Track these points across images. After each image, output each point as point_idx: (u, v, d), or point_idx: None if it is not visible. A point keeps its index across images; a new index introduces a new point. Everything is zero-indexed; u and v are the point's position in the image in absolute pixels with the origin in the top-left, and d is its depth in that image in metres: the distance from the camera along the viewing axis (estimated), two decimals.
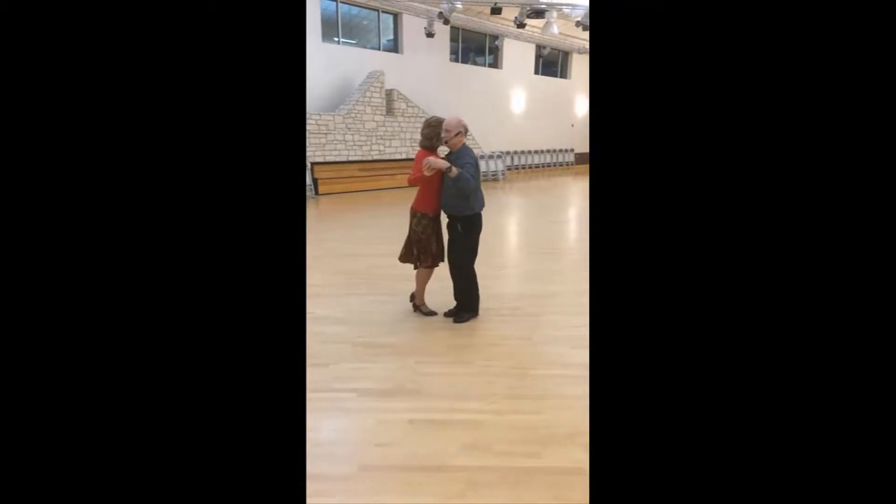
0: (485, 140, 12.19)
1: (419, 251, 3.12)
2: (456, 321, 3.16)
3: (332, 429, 2.04)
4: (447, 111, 12.23)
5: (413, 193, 3.23)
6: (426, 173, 2.87)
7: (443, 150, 3.08)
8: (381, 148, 10.58)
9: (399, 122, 10.70)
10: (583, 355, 2.76)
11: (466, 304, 3.20)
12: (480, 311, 3.29)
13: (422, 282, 3.26)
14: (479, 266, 3.24)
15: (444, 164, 2.88)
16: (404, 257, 3.23)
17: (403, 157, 10.71)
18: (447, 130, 2.97)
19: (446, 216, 3.10)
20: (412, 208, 3.14)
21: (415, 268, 3.24)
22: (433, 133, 3.04)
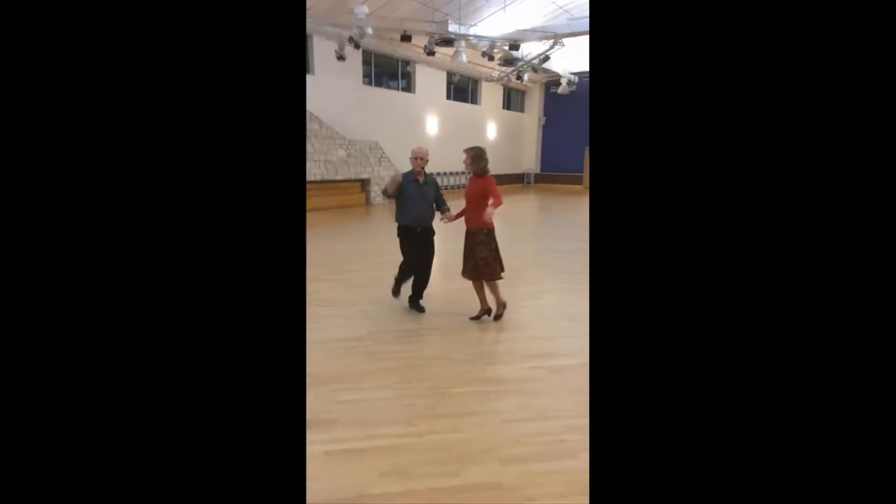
0: (401, 162, 12.31)
1: (484, 264, 3.45)
2: (420, 309, 3.79)
3: None
4: (363, 134, 12.18)
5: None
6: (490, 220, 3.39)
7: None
8: None
9: (313, 144, 10.46)
10: (500, 371, 2.85)
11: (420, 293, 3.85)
12: (399, 333, 3.36)
13: (497, 291, 3.59)
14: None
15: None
16: (463, 270, 3.57)
17: (318, 178, 10.47)
18: (423, 157, 3.58)
19: (417, 227, 3.62)
20: (472, 227, 3.49)
21: (469, 279, 3.58)
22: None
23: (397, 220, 3.68)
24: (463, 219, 3.59)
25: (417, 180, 3.62)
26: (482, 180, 3.47)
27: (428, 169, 3.72)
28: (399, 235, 3.72)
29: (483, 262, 3.45)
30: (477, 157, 3.45)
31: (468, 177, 3.64)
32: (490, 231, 3.48)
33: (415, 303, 3.86)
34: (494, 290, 3.57)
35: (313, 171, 10.49)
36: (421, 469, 1.89)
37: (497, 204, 3.37)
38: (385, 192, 3.64)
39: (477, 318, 3.62)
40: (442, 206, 3.74)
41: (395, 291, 3.95)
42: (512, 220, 9.43)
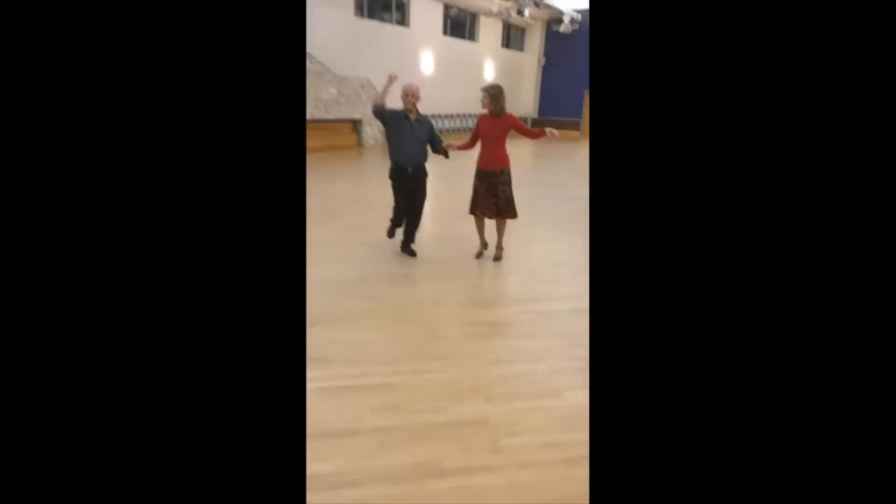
0: (395, 102, 11.89)
1: (507, 204, 3.56)
2: (411, 254, 3.79)
3: None
4: (355, 70, 11.61)
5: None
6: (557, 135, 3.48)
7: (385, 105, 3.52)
8: None
9: None
10: (490, 314, 2.91)
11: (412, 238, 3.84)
12: (391, 276, 3.41)
13: (503, 230, 3.73)
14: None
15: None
16: (483, 209, 3.61)
17: (308, 118, 10.10)
18: (415, 94, 3.45)
19: (409, 167, 3.55)
20: (493, 168, 3.51)
21: (492, 217, 3.64)
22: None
23: (391, 158, 3.60)
24: (453, 154, 3.62)
25: (408, 118, 3.50)
26: (502, 119, 3.45)
27: (422, 111, 3.61)
28: (390, 176, 3.65)
29: (505, 202, 3.56)
30: (496, 94, 3.42)
31: (478, 117, 3.60)
32: (509, 171, 3.56)
33: (406, 247, 3.83)
34: (502, 230, 3.72)
35: None
36: (411, 406, 1.97)
37: (541, 133, 3.48)
38: (375, 111, 3.50)
39: (479, 255, 3.82)
40: (438, 146, 3.65)
41: (390, 233, 3.93)
42: None
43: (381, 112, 3.46)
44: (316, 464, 1.63)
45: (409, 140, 3.51)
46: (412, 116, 3.51)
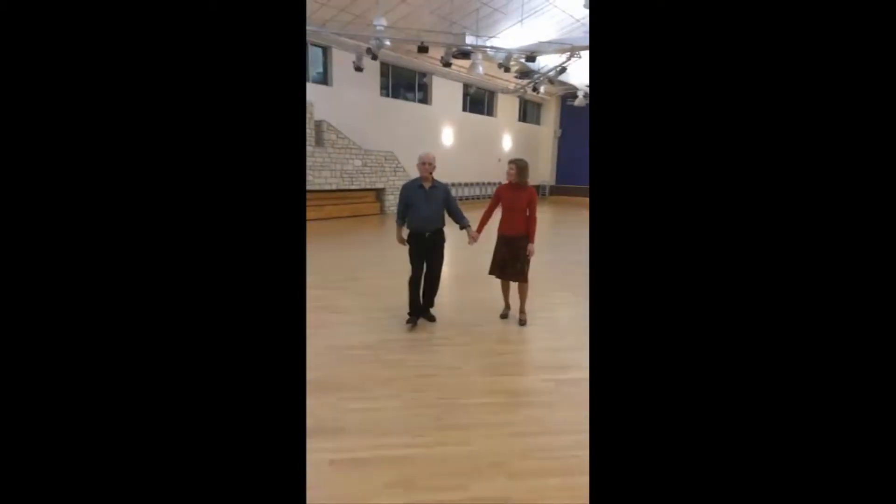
0: (416, 173, 12.39)
1: (523, 266, 3.69)
2: (430, 319, 3.79)
3: None
4: (379, 144, 12.25)
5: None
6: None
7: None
8: (311, 178, 10.38)
9: (329, 154, 10.59)
10: (511, 382, 2.80)
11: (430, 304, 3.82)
12: (409, 342, 3.33)
13: (526, 295, 3.83)
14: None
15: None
16: (509, 274, 3.74)
17: (334, 188, 10.57)
18: (430, 163, 3.55)
19: (426, 232, 3.56)
20: (515, 233, 3.68)
21: (518, 280, 3.75)
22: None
23: (408, 227, 3.61)
24: (471, 219, 3.70)
25: (423, 186, 3.56)
26: (526, 191, 3.67)
27: (443, 180, 3.73)
28: (408, 243, 3.66)
29: (527, 265, 3.71)
30: (523, 168, 3.66)
31: (498, 186, 3.78)
32: (528, 237, 3.74)
33: (425, 312, 3.78)
34: (525, 295, 3.80)
35: (329, 180, 10.61)
36: (428, 481, 1.85)
37: (533, 222, 3.66)
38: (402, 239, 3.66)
39: (504, 315, 3.95)
40: (460, 218, 3.66)
41: (411, 318, 3.66)
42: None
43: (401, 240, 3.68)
44: None
45: (426, 205, 3.54)
46: (427, 185, 3.56)
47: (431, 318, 3.78)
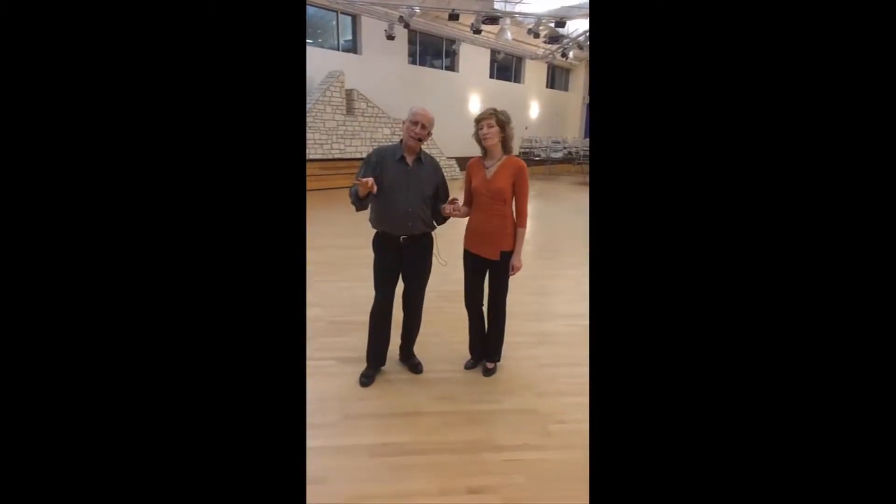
0: (443, 142, 12.55)
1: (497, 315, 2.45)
2: (413, 368, 2.47)
3: (317, 389, 2.27)
4: (406, 113, 12.49)
5: None
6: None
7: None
8: (342, 147, 10.70)
9: (360, 122, 10.84)
10: (538, 326, 3.12)
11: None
12: (448, 283, 3.38)
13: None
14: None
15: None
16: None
17: (364, 157, 10.82)
18: (425, 126, 2.11)
19: (400, 234, 2.17)
20: (482, 255, 2.26)
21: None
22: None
23: (373, 224, 2.22)
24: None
25: (405, 159, 2.15)
26: (511, 166, 2.16)
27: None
28: (373, 249, 2.26)
29: (502, 313, 2.34)
30: (505, 123, 2.16)
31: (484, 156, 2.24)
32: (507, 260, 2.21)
33: (406, 357, 2.47)
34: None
35: (360, 148, 10.91)
36: (468, 397, 2.23)
37: (523, 221, 2.18)
38: (354, 199, 2.10)
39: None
40: (440, 209, 2.22)
41: (369, 370, 2.34)
42: (553, 197, 9.57)
43: (363, 201, 2.10)
44: (381, 437, 1.91)
45: (404, 194, 2.12)
46: (410, 158, 2.16)
47: (416, 368, 2.43)
